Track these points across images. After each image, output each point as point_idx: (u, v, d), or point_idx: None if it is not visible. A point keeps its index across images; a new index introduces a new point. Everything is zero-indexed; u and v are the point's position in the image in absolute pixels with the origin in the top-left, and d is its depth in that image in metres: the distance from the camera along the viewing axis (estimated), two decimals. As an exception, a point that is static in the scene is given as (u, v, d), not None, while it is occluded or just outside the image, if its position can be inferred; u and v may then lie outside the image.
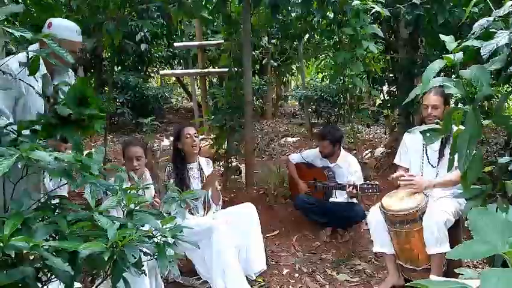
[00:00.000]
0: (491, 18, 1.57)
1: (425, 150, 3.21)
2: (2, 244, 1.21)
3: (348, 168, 3.97)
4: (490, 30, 1.56)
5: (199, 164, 3.50)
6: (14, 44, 1.61)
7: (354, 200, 3.94)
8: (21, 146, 1.33)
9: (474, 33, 1.59)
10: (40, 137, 1.64)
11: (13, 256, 1.25)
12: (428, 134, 1.69)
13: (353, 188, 3.63)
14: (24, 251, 1.31)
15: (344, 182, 3.86)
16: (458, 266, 2.69)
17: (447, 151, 3.10)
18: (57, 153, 1.34)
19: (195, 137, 3.40)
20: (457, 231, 3.03)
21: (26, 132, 1.66)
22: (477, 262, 3.37)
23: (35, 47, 2.37)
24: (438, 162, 3.15)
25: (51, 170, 1.38)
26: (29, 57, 1.71)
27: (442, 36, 1.54)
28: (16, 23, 4.75)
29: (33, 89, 2.09)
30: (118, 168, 1.90)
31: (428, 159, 3.20)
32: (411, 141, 3.30)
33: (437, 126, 1.66)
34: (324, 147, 3.94)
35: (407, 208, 2.91)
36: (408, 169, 3.32)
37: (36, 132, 1.71)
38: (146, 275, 2.25)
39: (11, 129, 1.63)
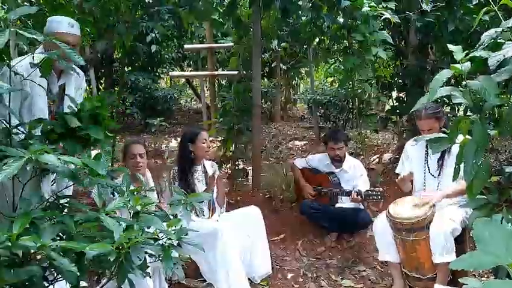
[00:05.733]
0: (499, 29, 1.57)
1: (426, 161, 3.21)
2: (10, 243, 1.23)
3: (355, 172, 3.96)
4: (499, 40, 1.56)
5: (204, 167, 3.52)
6: (26, 44, 1.64)
7: (360, 206, 3.93)
8: (31, 148, 1.36)
9: (482, 43, 1.59)
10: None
11: (21, 255, 1.27)
12: (434, 144, 1.69)
13: (357, 195, 3.63)
14: (32, 251, 1.33)
15: (349, 187, 3.86)
16: (464, 275, 2.67)
17: (446, 161, 3.11)
18: (65, 156, 1.36)
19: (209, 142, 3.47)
20: (463, 240, 3.02)
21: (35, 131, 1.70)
22: (483, 272, 3.35)
23: (41, 49, 2.40)
24: (439, 173, 3.15)
25: (59, 172, 1.40)
26: (38, 58, 1.74)
27: (450, 46, 1.55)
28: (29, 22, 4.82)
29: (44, 89, 2.12)
30: (124, 170, 1.92)
31: (429, 169, 3.20)
32: (413, 150, 3.31)
33: (443, 135, 1.66)
34: (340, 150, 3.92)
35: (414, 216, 2.90)
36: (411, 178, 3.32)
37: (45, 133, 1.74)
38: (150, 277, 2.26)
39: (21, 130, 1.66)
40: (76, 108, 1.67)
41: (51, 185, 2.24)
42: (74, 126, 1.60)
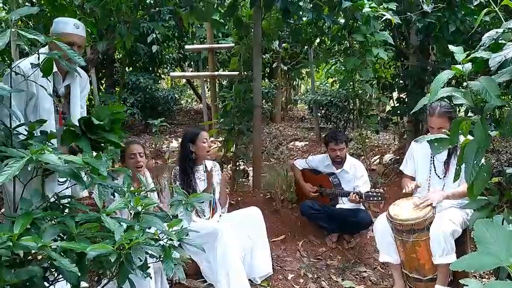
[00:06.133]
0: (500, 30, 1.57)
1: (432, 161, 3.19)
2: (11, 243, 1.23)
3: (355, 173, 3.96)
4: (499, 41, 1.55)
5: (205, 166, 3.53)
6: (27, 45, 1.65)
7: (361, 207, 3.92)
8: (32, 148, 1.36)
9: (483, 44, 1.59)
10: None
11: (22, 255, 1.27)
12: (435, 144, 1.69)
13: (355, 196, 3.63)
14: (33, 251, 1.33)
15: (350, 188, 3.86)
16: (464, 277, 2.66)
17: (453, 163, 3.09)
18: (66, 155, 1.37)
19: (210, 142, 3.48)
20: (464, 241, 3.02)
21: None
22: (483, 273, 3.35)
23: (45, 49, 2.41)
24: (445, 174, 3.14)
25: (60, 171, 1.40)
26: (42, 59, 1.74)
27: (451, 47, 1.54)
28: (30, 23, 4.83)
29: (46, 90, 2.13)
30: (125, 170, 1.93)
31: (435, 170, 3.18)
32: (419, 150, 3.29)
33: (445, 136, 1.66)
34: (341, 151, 3.91)
35: (414, 217, 2.90)
36: (414, 178, 3.31)
37: (46, 133, 1.75)
38: (151, 278, 2.26)
39: (22, 131, 1.66)
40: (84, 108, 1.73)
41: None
42: (98, 122, 1.68)
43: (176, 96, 10.94)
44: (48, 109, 2.47)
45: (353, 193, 3.67)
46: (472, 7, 4.14)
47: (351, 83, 5.09)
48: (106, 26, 3.99)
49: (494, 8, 1.70)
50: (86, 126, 1.71)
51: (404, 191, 3.20)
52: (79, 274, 1.31)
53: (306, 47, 6.91)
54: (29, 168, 1.35)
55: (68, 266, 1.29)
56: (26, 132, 1.70)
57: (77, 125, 1.74)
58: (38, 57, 1.78)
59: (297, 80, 12.91)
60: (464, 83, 1.54)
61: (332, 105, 9.37)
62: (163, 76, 12.74)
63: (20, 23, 4.73)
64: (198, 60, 10.35)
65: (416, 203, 3.02)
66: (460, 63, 1.54)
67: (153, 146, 7.80)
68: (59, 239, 1.50)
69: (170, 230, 1.70)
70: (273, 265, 3.42)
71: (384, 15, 3.74)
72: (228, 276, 3.00)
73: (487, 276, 3.31)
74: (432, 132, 3.05)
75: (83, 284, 2.23)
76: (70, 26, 2.50)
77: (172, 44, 11.29)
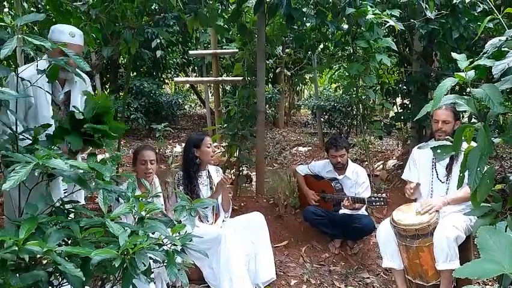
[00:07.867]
0: (503, 38, 1.57)
1: (434, 166, 3.20)
2: (17, 248, 1.24)
3: (357, 179, 3.96)
4: (503, 49, 1.56)
5: (208, 172, 3.54)
6: (33, 50, 1.66)
7: (364, 212, 3.92)
8: (37, 153, 1.37)
9: (486, 52, 1.60)
10: (54, 143, 1.70)
11: (27, 260, 1.28)
12: (438, 151, 1.69)
13: (347, 201, 3.64)
14: (38, 255, 1.34)
15: (352, 194, 3.86)
16: (467, 283, 2.66)
17: (455, 167, 3.10)
18: (72, 160, 1.38)
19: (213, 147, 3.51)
20: (467, 248, 3.01)
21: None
22: (487, 279, 3.33)
23: (45, 56, 2.42)
24: (448, 178, 3.14)
25: (66, 176, 1.41)
26: (45, 66, 1.76)
27: (454, 55, 1.55)
28: (35, 27, 4.87)
29: (50, 95, 2.15)
30: (129, 175, 1.94)
31: (437, 175, 3.18)
32: (421, 156, 3.29)
33: (447, 142, 1.66)
34: (342, 157, 3.91)
35: (418, 222, 2.90)
36: (419, 184, 3.30)
37: (50, 137, 1.76)
38: (155, 283, 2.27)
39: (26, 136, 1.68)
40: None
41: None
42: (79, 118, 1.67)
43: (180, 101, 10.97)
44: (47, 117, 2.46)
45: (346, 199, 3.68)
46: (475, 14, 4.14)
47: (354, 89, 5.10)
48: (111, 31, 4.02)
49: (497, 15, 1.71)
50: (74, 121, 1.70)
51: (406, 195, 3.22)
52: (83, 279, 1.32)
53: (309, 52, 6.92)
54: (36, 174, 1.36)
55: (72, 271, 1.29)
56: (29, 138, 1.72)
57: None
58: (37, 65, 1.80)
59: (301, 85, 12.93)
60: (468, 89, 1.54)
61: (335, 111, 9.38)
62: (167, 81, 12.79)
63: (25, 28, 4.76)
64: (201, 65, 10.38)
65: (418, 210, 3.02)
66: (463, 71, 1.54)
67: (157, 150, 7.82)
68: (63, 243, 1.51)
69: (173, 235, 1.71)
70: (276, 271, 3.42)
71: (388, 22, 3.75)
72: (231, 282, 3.00)
73: (490, 283, 3.30)
74: (436, 126, 3.09)
75: (87, 288, 2.23)
76: (65, 35, 2.48)
77: (176, 49, 11.35)
